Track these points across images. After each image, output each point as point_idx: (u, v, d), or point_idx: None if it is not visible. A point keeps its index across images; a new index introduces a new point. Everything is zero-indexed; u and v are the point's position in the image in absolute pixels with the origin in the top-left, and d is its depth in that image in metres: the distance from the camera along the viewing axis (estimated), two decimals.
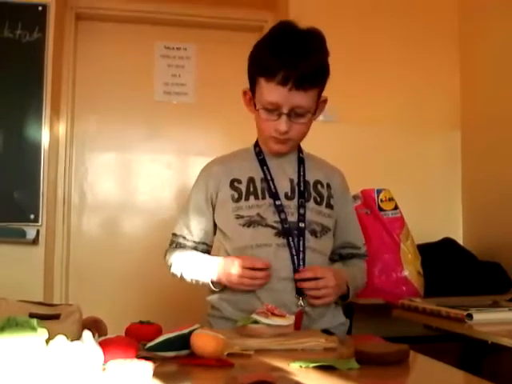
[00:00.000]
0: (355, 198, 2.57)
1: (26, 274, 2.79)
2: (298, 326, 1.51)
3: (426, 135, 3.18)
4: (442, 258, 2.67)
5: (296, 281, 1.56)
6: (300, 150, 1.74)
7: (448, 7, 3.25)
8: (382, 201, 2.52)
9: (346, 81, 2.95)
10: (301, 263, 1.58)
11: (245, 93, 1.67)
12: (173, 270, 1.74)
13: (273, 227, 1.61)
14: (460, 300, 2.03)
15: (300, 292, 1.57)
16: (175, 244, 1.76)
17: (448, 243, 2.77)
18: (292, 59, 1.50)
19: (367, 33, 3.14)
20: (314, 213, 1.65)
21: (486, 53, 3.03)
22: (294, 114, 1.55)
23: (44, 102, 2.86)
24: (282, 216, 1.61)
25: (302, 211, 1.62)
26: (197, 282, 1.69)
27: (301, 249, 1.59)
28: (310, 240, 1.62)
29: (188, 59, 3.40)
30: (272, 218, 1.62)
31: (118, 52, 3.33)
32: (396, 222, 2.51)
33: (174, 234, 1.77)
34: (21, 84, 2.85)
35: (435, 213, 3.11)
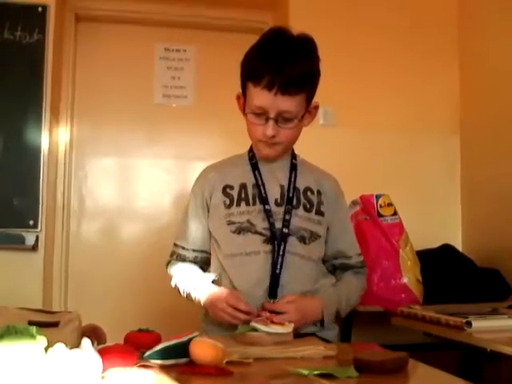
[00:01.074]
0: (354, 203, 2.57)
1: (25, 281, 2.77)
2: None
3: (425, 140, 3.18)
4: (440, 265, 2.66)
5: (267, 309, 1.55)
6: (294, 156, 1.75)
7: (447, 10, 3.25)
8: (381, 206, 2.51)
9: (344, 85, 2.95)
10: (278, 267, 1.60)
11: (238, 97, 1.69)
12: (173, 284, 1.80)
13: (261, 234, 1.64)
14: (459, 307, 2.02)
15: (272, 295, 1.59)
16: (176, 255, 1.80)
17: (447, 250, 2.77)
18: (277, 64, 1.52)
19: (366, 36, 3.14)
20: (303, 219, 1.66)
21: (485, 57, 3.03)
22: (281, 118, 1.57)
23: (44, 105, 2.84)
24: (271, 221, 1.63)
25: (287, 217, 1.64)
26: (188, 297, 1.74)
27: (280, 253, 1.61)
28: (298, 246, 1.64)
29: (187, 61, 3.40)
30: (261, 224, 1.64)
31: (118, 53, 3.32)
32: (395, 227, 2.51)
33: (175, 244, 1.81)
34: (20, 86, 2.84)
35: (434, 219, 3.11)
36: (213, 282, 1.72)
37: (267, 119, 1.57)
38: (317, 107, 1.68)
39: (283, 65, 1.52)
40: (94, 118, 3.31)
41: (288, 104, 1.55)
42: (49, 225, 2.93)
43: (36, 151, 2.84)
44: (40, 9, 2.87)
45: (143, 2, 3.25)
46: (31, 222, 2.82)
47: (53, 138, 3.00)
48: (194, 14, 3.32)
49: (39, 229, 2.83)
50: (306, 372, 1.11)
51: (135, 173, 3.36)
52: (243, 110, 1.67)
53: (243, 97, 1.66)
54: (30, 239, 2.81)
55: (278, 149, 1.65)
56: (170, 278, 1.80)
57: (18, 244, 2.80)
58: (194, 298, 1.70)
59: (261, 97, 1.55)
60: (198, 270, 1.78)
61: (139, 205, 3.33)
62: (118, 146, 3.32)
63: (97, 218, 3.29)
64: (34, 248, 2.82)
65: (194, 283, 1.72)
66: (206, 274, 1.75)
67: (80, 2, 3.23)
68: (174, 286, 1.78)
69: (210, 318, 1.67)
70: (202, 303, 1.68)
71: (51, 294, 3.03)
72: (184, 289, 1.74)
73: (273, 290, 1.60)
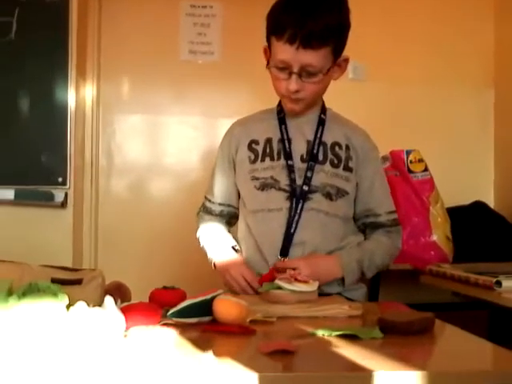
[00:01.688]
0: (384, 159, 2.51)
1: (55, 237, 2.82)
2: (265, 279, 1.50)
3: (457, 94, 3.09)
4: (472, 222, 2.62)
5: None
6: (323, 111, 1.70)
7: None
8: (411, 162, 2.47)
9: (374, 39, 2.87)
10: (293, 225, 1.58)
11: (265, 50, 1.64)
12: (197, 235, 1.83)
13: (285, 190, 1.61)
14: (489, 266, 1.98)
15: (284, 253, 1.58)
16: (203, 207, 1.83)
17: (479, 206, 2.72)
18: (300, 17, 1.48)
19: None
20: (330, 175, 1.62)
21: None
22: (304, 73, 1.53)
23: (70, 63, 2.84)
24: (292, 177, 1.61)
25: (309, 174, 1.61)
26: (204, 252, 1.77)
27: (298, 211, 1.59)
28: (323, 203, 1.61)
29: (214, 17, 3.33)
30: (285, 180, 1.62)
31: (143, 11, 3.27)
32: (425, 184, 2.46)
33: (205, 197, 1.84)
34: (46, 45, 2.83)
35: (466, 175, 3.05)
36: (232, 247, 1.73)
37: (290, 73, 1.53)
38: (347, 60, 1.61)
39: (306, 18, 1.47)
40: (121, 76, 3.29)
41: (311, 58, 1.50)
42: (77, 182, 2.96)
43: (63, 109, 2.84)
44: None
45: None
46: (60, 179, 2.84)
47: (79, 96, 3.00)
48: None
49: (68, 186, 2.86)
50: (327, 333, 1.09)
51: (163, 129, 3.34)
52: (268, 64, 1.62)
53: (269, 50, 1.61)
54: (59, 196, 2.84)
55: (303, 104, 1.61)
56: (196, 228, 1.84)
57: (47, 201, 2.84)
58: (208, 257, 1.75)
59: (283, 51, 1.51)
60: (222, 229, 1.79)
61: (167, 161, 3.33)
62: (144, 103, 3.30)
63: (125, 175, 3.30)
64: (63, 205, 2.85)
65: (212, 243, 1.75)
66: (228, 238, 1.76)
67: None
68: (197, 237, 1.83)
69: None
70: (214, 264, 1.71)
71: (81, 251, 3.07)
72: (203, 245, 1.78)
73: (285, 249, 1.59)
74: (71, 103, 2.86)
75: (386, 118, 2.92)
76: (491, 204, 2.92)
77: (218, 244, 1.74)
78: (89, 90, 3.16)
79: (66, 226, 2.86)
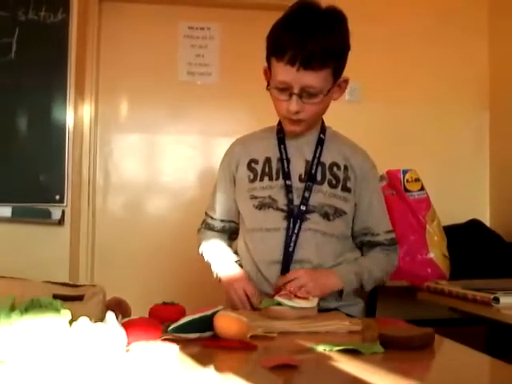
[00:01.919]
0: (380, 178, 2.53)
1: (52, 254, 2.82)
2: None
3: (453, 114, 3.13)
4: (468, 240, 2.64)
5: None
6: (322, 131, 1.70)
7: None
8: (407, 181, 2.49)
9: (370, 60, 2.90)
10: (291, 245, 1.59)
11: (265, 71, 1.64)
12: (200, 251, 1.83)
13: (282, 210, 1.62)
14: (486, 283, 2.00)
15: (284, 273, 1.57)
16: (205, 224, 1.84)
17: (475, 225, 2.73)
18: (300, 38, 1.48)
19: (394, 10, 3.08)
20: (328, 196, 1.63)
21: None
22: (305, 94, 1.53)
23: (68, 83, 2.88)
24: (290, 197, 1.61)
25: (306, 194, 1.61)
26: (209, 267, 1.78)
27: (295, 231, 1.59)
28: (321, 223, 1.61)
29: (212, 39, 3.37)
30: (283, 200, 1.62)
31: (142, 32, 3.31)
32: (422, 203, 2.48)
33: (206, 213, 1.85)
34: (46, 65, 2.87)
35: (462, 194, 3.07)
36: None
37: (291, 94, 1.53)
38: (347, 81, 1.62)
39: (306, 39, 1.47)
40: (119, 96, 3.31)
41: (311, 79, 1.50)
42: (74, 200, 2.97)
43: (61, 128, 2.88)
44: None
45: None
46: (57, 197, 2.86)
47: (78, 114, 3.02)
48: None
49: (65, 203, 2.87)
50: (328, 348, 1.10)
51: (160, 149, 3.36)
52: (268, 85, 1.62)
53: (269, 71, 1.61)
54: (56, 214, 2.86)
55: (303, 125, 1.61)
56: (198, 245, 1.84)
57: (44, 218, 2.85)
58: (213, 270, 1.75)
59: (284, 72, 1.51)
60: (224, 245, 1.80)
61: (164, 180, 3.34)
62: (142, 122, 3.32)
63: (122, 194, 3.31)
64: (60, 222, 2.87)
65: (216, 258, 1.76)
66: (231, 254, 1.77)
67: None
68: (200, 253, 1.82)
69: None
70: (218, 277, 1.72)
71: (77, 268, 3.07)
72: (208, 260, 1.78)
73: (285, 269, 1.59)
74: (69, 122, 2.89)
75: (382, 139, 2.95)
76: (487, 222, 2.93)
77: (222, 259, 1.75)
78: (87, 110, 3.18)
79: (63, 243, 2.87)
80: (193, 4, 3.34)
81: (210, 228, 1.82)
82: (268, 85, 1.60)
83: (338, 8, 1.56)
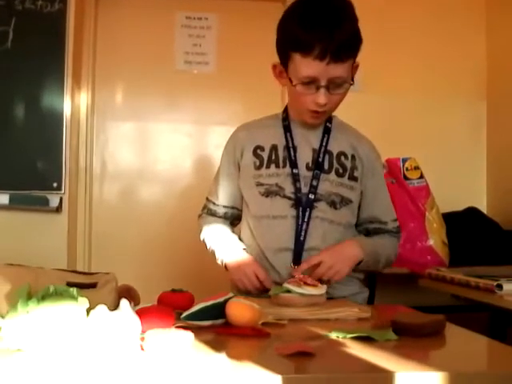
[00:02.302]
0: None
1: (50, 242, 2.82)
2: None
3: (451, 104, 3.14)
4: (466, 228, 2.65)
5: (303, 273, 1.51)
6: (329, 119, 1.69)
7: None
8: (407, 169, 2.50)
9: (370, 50, 2.85)
10: (302, 233, 1.59)
11: (274, 67, 1.62)
12: (201, 238, 1.80)
13: (290, 198, 1.61)
14: (487, 270, 2.01)
15: (296, 262, 1.57)
16: (206, 209, 1.81)
17: (472, 212, 2.75)
18: (326, 32, 1.44)
19: (393, 2, 3.09)
20: (335, 184, 1.62)
21: None
22: (332, 85, 1.51)
23: (65, 72, 2.87)
24: (297, 186, 1.61)
25: (314, 183, 1.61)
26: (212, 253, 1.74)
27: (305, 219, 1.59)
28: (328, 211, 1.61)
29: (209, 29, 3.35)
30: (290, 188, 1.61)
31: (139, 22, 3.29)
32: (421, 190, 2.49)
33: (207, 199, 1.82)
34: (42, 55, 2.85)
35: (459, 182, 3.09)
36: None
37: (318, 87, 1.50)
38: (357, 66, 1.60)
39: (332, 31, 1.44)
40: (116, 84, 3.30)
41: (340, 70, 1.49)
42: (72, 187, 2.96)
43: (58, 116, 2.86)
44: None
45: None
46: (55, 185, 2.85)
47: (75, 103, 3.01)
48: None
49: (63, 191, 2.86)
50: (341, 335, 1.11)
51: (156, 137, 3.35)
52: (282, 79, 1.60)
53: (282, 66, 1.58)
54: (54, 201, 2.85)
55: (325, 116, 1.61)
56: (199, 230, 1.81)
57: (42, 206, 2.84)
58: (217, 257, 1.72)
59: (312, 67, 1.48)
60: (228, 231, 1.77)
61: (160, 168, 3.34)
62: (138, 111, 3.31)
63: (118, 181, 3.31)
64: (58, 210, 2.86)
65: (222, 243, 1.73)
66: (236, 239, 1.74)
67: None
68: (202, 239, 1.79)
69: None
70: (223, 263, 1.69)
71: (75, 255, 3.07)
72: (210, 246, 1.75)
73: (297, 257, 1.59)
74: (66, 110, 2.88)
75: (382, 128, 2.93)
76: (484, 210, 2.96)
77: (227, 244, 1.72)
78: (84, 98, 3.16)
79: (60, 231, 2.86)
80: None
81: (212, 214, 1.79)
82: (290, 81, 1.55)
83: None
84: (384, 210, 1.72)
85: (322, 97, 1.51)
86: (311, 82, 1.51)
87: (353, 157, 1.66)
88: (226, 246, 1.71)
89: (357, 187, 1.65)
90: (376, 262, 1.66)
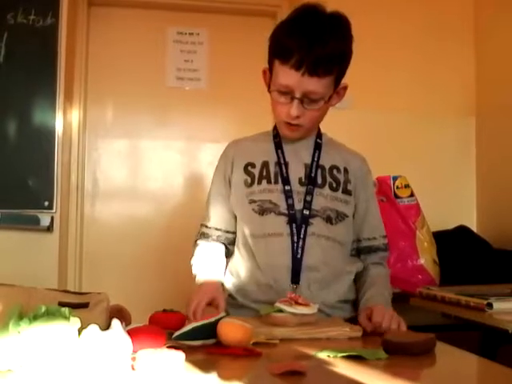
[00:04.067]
0: None
1: (41, 261, 2.79)
2: None
3: (440, 122, 3.16)
4: (456, 246, 2.66)
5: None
6: (319, 136, 1.70)
7: None
8: (397, 188, 2.51)
9: (360, 67, 2.89)
10: (299, 251, 1.57)
11: (264, 72, 1.63)
12: (191, 262, 1.76)
13: (285, 215, 1.59)
14: (478, 288, 2.02)
15: (295, 280, 1.55)
16: (199, 234, 1.76)
17: (462, 231, 2.76)
18: (307, 43, 1.46)
19: (382, 19, 3.11)
20: (329, 199, 1.61)
21: (501, 39, 3.00)
22: (306, 99, 1.51)
23: (57, 88, 2.85)
24: (289, 202, 1.59)
25: (308, 198, 1.59)
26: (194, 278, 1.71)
27: (301, 236, 1.57)
28: (324, 228, 1.59)
29: (200, 44, 3.38)
30: (284, 205, 1.60)
31: (131, 37, 3.31)
32: (412, 209, 2.50)
33: (201, 224, 1.77)
34: (34, 70, 2.84)
35: (449, 200, 3.10)
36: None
37: (292, 98, 1.52)
38: (345, 88, 1.61)
39: (313, 44, 1.46)
40: (107, 101, 3.30)
41: (315, 85, 1.49)
42: (63, 206, 2.94)
43: (50, 133, 2.85)
44: None
45: None
46: (46, 203, 2.82)
47: (66, 120, 3.00)
48: None
49: (54, 210, 2.84)
50: (332, 354, 1.11)
51: (148, 154, 3.36)
52: (268, 87, 1.61)
53: (269, 73, 1.60)
54: (45, 220, 2.83)
55: (301, 131, 1.60)
56: (193, 255, 1.77)
57: (33, 225, 2.82)
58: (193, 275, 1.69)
59: (287, 76, 1.49)
60: (215, 255, 1.72)
61: (152, 185, 3.34)
62: (130, 128, 3.32)
63: (110, 199, 3.30)
64: (49, 229, 2.84)
65: (201, 263, 1.70)
66: (219, 259, 1.71)
67: None
68: (191, 264, 1.75)
69: (236, 301, 1.66)
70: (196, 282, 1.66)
71: (66, 275, 3.05)
72: (194, 271, 1.71)
73: (295, 275, 1.56)
74: (58, 128, 2.86)
75: (371, 145, 2.93)
76: (474, 228, 2.97)
77: (204, 264, 1.68)
78: (75, 115, 3.17)
79: (52, 250, 2.84)
80: (182, 9, 3.36)
81: (205, 237, 1.74)
82: (268, 87, 1.59)
83: (342, 13, 1.55)
84: (374, 225, 1.70)
85: (293, 109, 1.52)
86: (287, 93, 1.52)
87: (345, 170, 1.66)
88: (202, 267, 1.68)
89: (351, 201, 1.65)
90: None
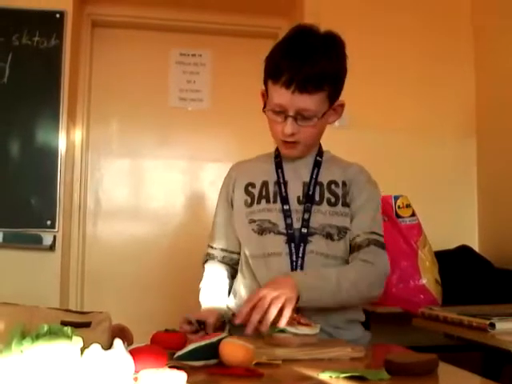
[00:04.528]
0: None
1: (43, 281, 2.80)
2: None
3: (441, 142, 3.17)
4: (458, 266, 2.66)
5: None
6: (320, 154, 1.71)
7: (462, 15, 3.26)
8: (399, 207, 2.51)
9: (359, 86, 2.93)
10: (298, 270, 1.57)
11: (262, 94, 1.66)
12: (200, 286, 1.79)
13: (284, 234, 1.60)
14: (480, 308, 2.01)
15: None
16: (206, 255, 1.79)
17: (464, 251, 2.76)
18: (296, 62, 1.50)
19: (382, 39, 3.15)
20: (328, 215, 1.61)
21: (501, 59, 3.02)
22: (300, 116, 1.54)
23: (61, 108, 2.89)
24: (288, 221, 1.60)
25: (306, 216, 1.60)
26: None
27: (299, 255, 1.58)
28: (324, 245, 1.59)
29: (203, 66, 3.41)
30: (283, 224, 1.61)
31: (134, 59, 3.35)
32: (413, 228, 2.50)
33: (207, 245, 1.81)
34: (38, 90, 2.88)
35: (451, 220, 3.10)
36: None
37: (286, 117, 1.54)
38: (343, 105, 1.63)
39: (302, 63, 1.49)
40: (110, 121, 3.33)
41: (306, 102, 1.52)
42: (66, 225, 2.96)
43: (53, 153, 2.87)
44: (57, 15, 2.92)
45: (158, 9, 3.27)
46: (48, 223, 2.84)
47: (70, 139, 3.03)
48: (210, 20, 3.34)
49: (56, 229, 2.85)
50: (334, 375, 1.11)
51: (150, 174, 3.38)
52: (264, 107, 1.63)
53: (266, 94, 1.63)
54: (47, 239, 2.84)
55: (299, 148, 1.62)
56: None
57: (35, 244, 2.83)
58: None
59: (279, 94, 1.53)
60: (220, 283, 1.75)
61: (154, 205, 3.35)
62: (133, 148, 3.34)
63: (112, 218, 3.31)
64: (52, 248, 2.85)
65: (203, 299, 1.74)
66: (219, 295, 1.73)
67: (96, 9, 3.25)
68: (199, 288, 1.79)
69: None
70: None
71: (68, 294, 3.05)
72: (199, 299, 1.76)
73: None
74: (61, 147, 2.89)
75: (372, 165, 2.95)
76: (476, 247, 2.97)
77: (207, 294, 1.73)
78: (78, 135, 3.20)
79: (54, 269, 2.84)
80: (185, 31, 3.40)
81: (212, 258, 1.77)
82: (264, 107, 1.62)
83: (335, 32, 1.58)
84: (360, 222, 1.62)
85: (287, 127, 1.55)
86: (281, 112, 1.55)
87: (343, 183, 1.65)
88: (205, 301, 1.73)
89: (349, 212, 1.63)
90: (335, 291, 1.51)
